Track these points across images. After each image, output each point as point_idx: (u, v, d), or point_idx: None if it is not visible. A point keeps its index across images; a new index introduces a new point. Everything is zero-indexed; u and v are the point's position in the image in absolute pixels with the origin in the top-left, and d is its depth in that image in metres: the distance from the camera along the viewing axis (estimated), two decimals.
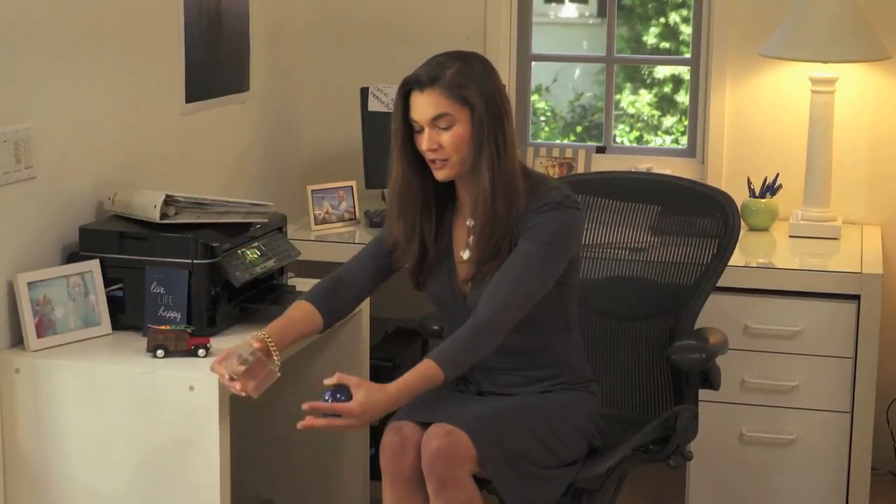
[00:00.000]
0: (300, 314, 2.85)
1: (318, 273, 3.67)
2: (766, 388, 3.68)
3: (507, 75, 4.36)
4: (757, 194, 4.03)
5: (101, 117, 3.23)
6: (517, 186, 2.75)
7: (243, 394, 2.65)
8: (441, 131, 2.72)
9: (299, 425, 2.57)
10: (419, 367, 2.63)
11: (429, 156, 2.75)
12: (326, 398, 2.56)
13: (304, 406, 2.56)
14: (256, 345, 2.68)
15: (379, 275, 2.94)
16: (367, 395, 2.56)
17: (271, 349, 2.71)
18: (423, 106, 2.73)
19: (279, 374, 2.69)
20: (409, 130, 2.78)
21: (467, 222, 2.84)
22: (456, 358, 2.65)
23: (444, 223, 2.86)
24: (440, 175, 2.77)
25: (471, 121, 2.72)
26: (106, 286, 3.04)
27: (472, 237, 2.81)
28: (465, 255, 2.84)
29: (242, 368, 2.63)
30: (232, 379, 2.64)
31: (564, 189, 2.81)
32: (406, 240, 2.83)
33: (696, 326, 3.15)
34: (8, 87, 2.88)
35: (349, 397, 2.55)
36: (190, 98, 3.63)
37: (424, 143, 2.74)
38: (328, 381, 2.58)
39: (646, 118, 7.85)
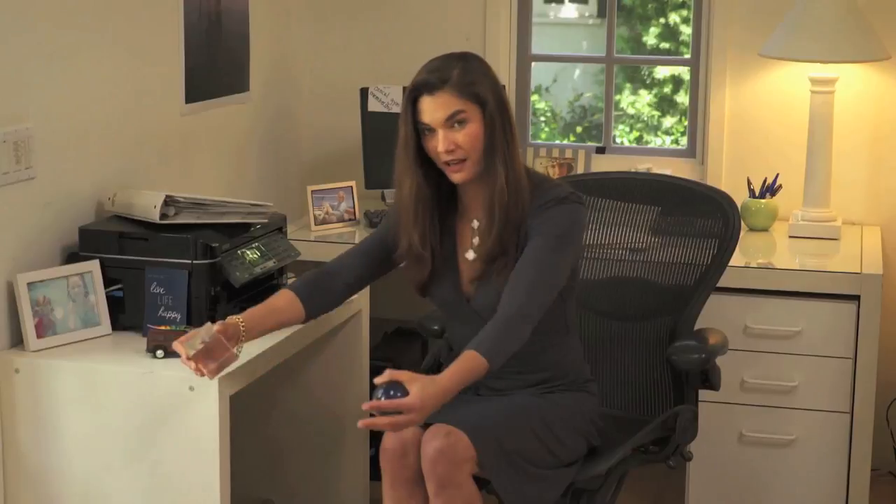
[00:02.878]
0: (283, 303, 2.85)
1: None
2: (766, 389, 3.68)
3: (507, 75, 4.36)
4: (757, 194, 4.03)
5: (101, 118, 3.23)
6: (524, 183, 2.77)
7: (200, 374, 2.64)
8: (456, 131, 2.72)
9: (360, 424, 2.52)
10: (463, 359, 2.60)
11: (444, 157, 2.73)
12: (380, 396, 2.52)
13: (365, 406, 2.51)
14: (217, 328, 2.67)
15: (368, 272, 2.95)
16: (422, 388, 2.52)
17: (241, 333, 2.72)
18: (436, 107, 2.72)
19: (238, 357, 2.69)
20: (419, 137, 2.77)
21: (472, 224, 2.84)
22: (497, 347, 2.64)
23: (446, 228, 2.86)
24: (458, 177, 2.75)
25: (482, 118, 2.73)
26: (106, 286, 3.04)
27: (476, 237, 2.82)
28: (470, 255, 2.84)
29: (201, 347, 2.62)
30: (189, 359, 2.63)
31: (567, 186, 2.84)
32: (422, 246, 2.81)
33: (696, 327, 3.15)
34: (8, 87, 2.88)
35: (405, 393, 2.51)
36: (190, 98, 3.63)
37: (441, 144, 2.72)
38: (379, 380, 2.53)
39: (646, 118, 7.85)
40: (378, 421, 2.51)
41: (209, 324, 2.69)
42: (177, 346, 2.65)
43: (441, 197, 2.83)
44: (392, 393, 2.52)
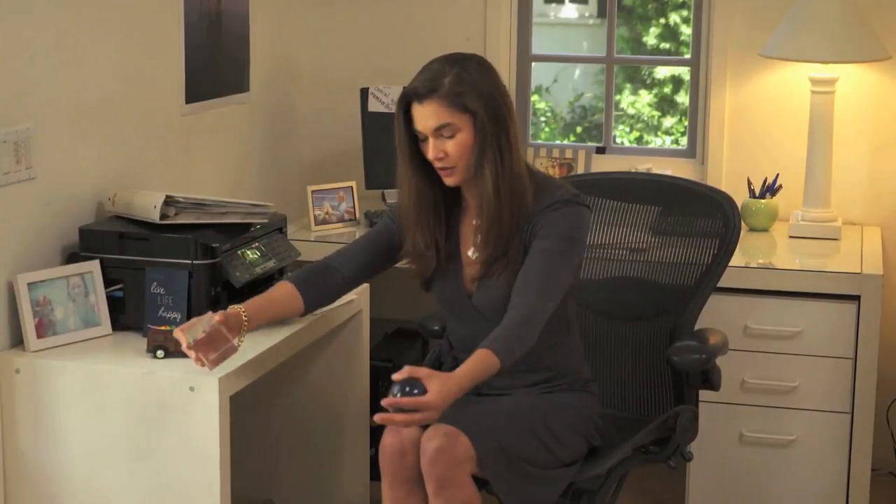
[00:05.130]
0: (282, 294, 2.89)
1: None
2: (766, 389, 3.68)
3: (507, 76, 4.36)
4: (757, 195, 4.03)
5: (102, 118, 3.23)
6: (523, 185, 2.78)
7: (200, 364, 2.65)
8: (445, 140, 2.75)
9: (377, 418, 2.52)
10: (478, 357, 2.60)
11: (436, 164, 2.77)
12: (396, 393, 2.51)
13: (384, 402, 2.51)
14: (218, 318, 2.69)
15: (369, 269, 2.97)
16: (441, 385, 2.52)
17: (243, 323, 2.74)
18: (425, 117, 2.74)
19: (237, 349, 2.70)
20: (414, 140, 2.80)
21: (473, 222, 2.86)
22: (510, 346, 2.64)
23: (450, 225, 2.88)
24: (449, 181, 2.79)
25: (473, 127, 2.74)
26: (106, 286, 3.04)
27: (479, 237, 2.83)
28: (472, 254, 2.86)
29: (203, 336, 2.63)
30: (190, 347, 2.64)
31: (571, 188, 2.85)
32: (426, 247, 2.84)
33: (697, 327, 3.15)
34: (8, 87, 2.88)
35: (423, 390, 2.51)
36: (190, 98, 3.63)
37: (430, 152, 2.76)
38: (397, 376, 2.53)
39: (646, 119, 7.86)
40: (394, 417, 2.52)
41: (210, 313, 2.71)
42: (178, 333, 2.67)
43: (444, 195, 2.85)
44: (408, 390, 2.51)
